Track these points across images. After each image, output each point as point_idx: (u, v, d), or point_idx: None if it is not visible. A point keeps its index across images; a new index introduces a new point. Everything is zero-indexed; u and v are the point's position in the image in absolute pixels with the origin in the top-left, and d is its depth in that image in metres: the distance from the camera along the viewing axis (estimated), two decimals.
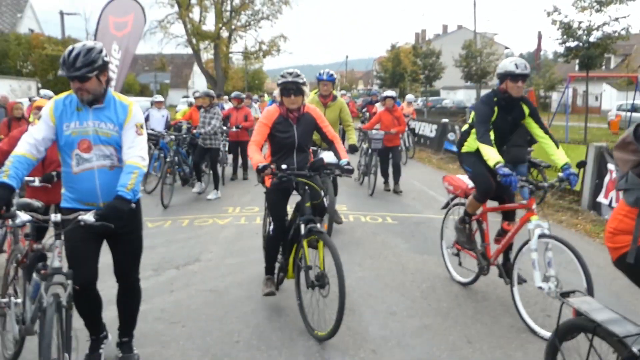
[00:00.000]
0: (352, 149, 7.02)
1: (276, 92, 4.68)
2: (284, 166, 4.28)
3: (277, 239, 4.68)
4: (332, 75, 7.22)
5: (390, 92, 11.14)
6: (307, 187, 4.41)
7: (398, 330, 4.27)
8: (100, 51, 3.22)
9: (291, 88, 4.43)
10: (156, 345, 4.05)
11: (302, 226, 4.28)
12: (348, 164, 4.48)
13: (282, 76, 4.52)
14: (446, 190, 5.53)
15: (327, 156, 5.80)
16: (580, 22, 17.38)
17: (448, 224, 5.54)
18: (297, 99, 4.47)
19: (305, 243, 4.25)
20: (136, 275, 3.81)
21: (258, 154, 4.43)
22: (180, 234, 7.31)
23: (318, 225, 4.33)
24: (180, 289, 5.21)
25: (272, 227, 4.82)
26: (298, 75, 4.48)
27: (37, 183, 4.76)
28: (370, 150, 10.18)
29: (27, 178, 4.37)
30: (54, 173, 4.77)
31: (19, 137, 3.60)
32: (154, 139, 10.36)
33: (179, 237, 7.11)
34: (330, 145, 4.77)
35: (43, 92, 12.71)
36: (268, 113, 4.60)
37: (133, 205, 3.25)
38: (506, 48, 62.46)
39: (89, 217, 3.05)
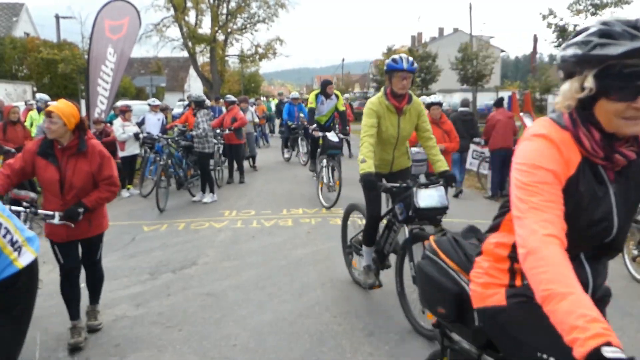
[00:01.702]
0: (450, 179, 4.38)
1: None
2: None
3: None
4: (413, 63, 4.39)
5: (436, 98, 9.17)
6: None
7: (395, 332, 4.24)
8: None
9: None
10: (152, 349, 4.03)
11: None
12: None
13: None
14: None
15: (332, 136, 8.92)
16: (575, 25, 17.49)
17: None
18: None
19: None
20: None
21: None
22: (177, 237, 7.29)
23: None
24: (176, 293, 5.19)
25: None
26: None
27: (56, 220, 3.84)
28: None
29: (43, 212, 3.86)
30: (80, 210, 3.86)
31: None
32: (149, 143, 10.36)
33: (175, 241, 7.09)
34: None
35: (39, 95, 12.68)
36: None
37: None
38: (502, 51, 62.64)
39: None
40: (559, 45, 18.00)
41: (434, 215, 4.07)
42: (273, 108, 23.77)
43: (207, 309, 4.79)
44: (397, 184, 4.27)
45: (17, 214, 3.79)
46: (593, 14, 17.08)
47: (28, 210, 3.92)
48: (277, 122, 22.77)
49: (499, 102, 10.51)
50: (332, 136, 8.96)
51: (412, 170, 6.65)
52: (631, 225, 5.50)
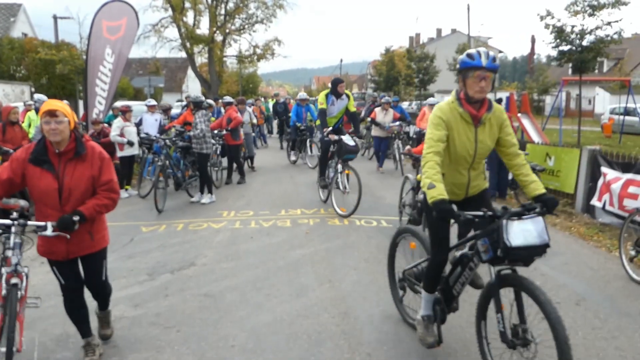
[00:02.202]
0: (551, 205, 3.35)
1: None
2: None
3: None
4: (495, 59, 3.43)
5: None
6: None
7: (393, 333, 4.26)
8: None
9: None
10: (151, 350, 4.03)
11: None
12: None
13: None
14: None
15: (347, 139, 8.51)
16: (573, 26, 17.51)
17: None
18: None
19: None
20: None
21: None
22: (175, 238, 7.29)
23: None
24: (175, 294, 5.19)
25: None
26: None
27: (49, 232, 3.43)
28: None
29: (34, 223, 3.47)
30: (75, 218, 3.46)
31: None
32: (147, 143, 10.35)
33: (174, 242, 7.08)
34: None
35: (37, 96, 12.65)
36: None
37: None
38: (500, 52, 62.74)
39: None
40: (557, 46, 18.03)
41: (531, 255, 3.17)
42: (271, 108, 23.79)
43: (205, 309, 4.79)
44: (480, 213, 3.27)
45: (6, 227, 3.45)
46: (590, 14, 17.07)
47: (17, 222, 3.44)
48: (274, 122, 22.77)
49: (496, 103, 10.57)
50: (347, 139, 8.42)
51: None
52: (627, 225, 5.50)
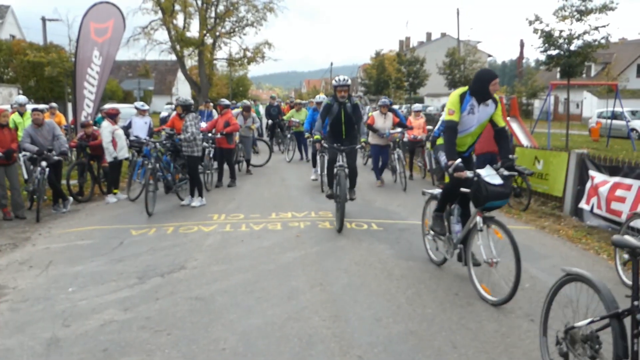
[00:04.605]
0: None
1: (321, 97, 4.54)
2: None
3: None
4: None
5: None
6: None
7: (384, 336, 4.27)
8: None
9: None
10: (141, 353, 4.01)
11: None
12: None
13: None
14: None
15: (489, 174, 5.10)
16: (561, 31, 17.70)
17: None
18: None
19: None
20: None
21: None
22: (165, 241, 7.26)
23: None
24: (165, 297, 5.17)
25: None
26: None
27: None
28: None
29: None
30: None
31: None
32: (137, 146, 10.30)
33: (164, 245, 7.06)
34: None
35: (16, 98, 12.41)
36: None
37: None
38: (489, 56, 63.18)
39: None
40: (545, 50, 18.21)
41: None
42: (262, 112, 23.78)
43: (196, 313, 4.77)
44: None
45: None
46: (578, 19, 17.28)
47: None
48: (264, 125, 22.73)
49: None
50: (490, 175, 5.03)
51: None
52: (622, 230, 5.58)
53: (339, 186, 7.72)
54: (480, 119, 5.50)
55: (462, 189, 5.39)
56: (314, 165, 12.42)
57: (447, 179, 5.91)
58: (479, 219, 5.11)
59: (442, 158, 5.61)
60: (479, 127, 5.59)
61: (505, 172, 5.08)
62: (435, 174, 5.90)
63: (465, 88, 5.48)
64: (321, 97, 13.29)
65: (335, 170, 7.98)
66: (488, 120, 5.56)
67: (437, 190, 6.14)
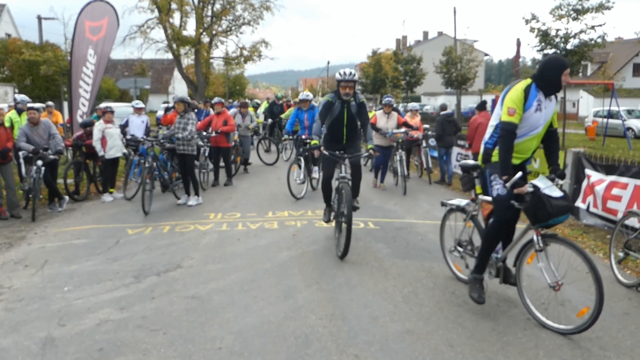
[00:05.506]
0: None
1: (306, 94, 4.38)
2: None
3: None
4: None
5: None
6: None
7: (381, 335, 4.27)
8: None
9: None
10: (137, 353, 4.00)
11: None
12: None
13: None
14: None
15: (546, 185, 4.36)
16: (557, 30, 17.75)
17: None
18: None
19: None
20: None
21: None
22: (161, 240, 7.24)
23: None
24: (161, 296, 5.15)
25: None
26: None
27: None
28: None
29: None
30: None
31: None
32: (133, 145, 10.27)
33: (160, 244, 7.04)
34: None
35: (18, 97, 12.43)
36: None
37: None
38: (486, 55, 63.24)
39: None
40: (542, 49, 18.24)
41: None
42: (259, 111, 23.70)
43: (192, 312, 4.76)
44: None
45: None
46: (575, 19, 17.32)
47: None
48: (260, 125, 22.66)
49: (481, 106, 10.80)
50: (548, 187, 4.34)
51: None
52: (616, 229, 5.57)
53: (344, 203, 6.27)
54: (546, 116, 4.56)
55: (516, 204, 4.50)
56: (315, 164, 11.35)
57: (486, 205, 5.20)
58: (536, 237, 4.45)
59: (497, 185, 4.55)
60: (545, 127, 4.61)
61: (561, 182, 4.45)
62: (464, 183, 4.85)
63: (529, 81, 4.52)
64: (306, 95, 11.88)
65: (337, 183, 6.62)
66: (551, 119, 4.65)
67: (461, 201, 5.40)
